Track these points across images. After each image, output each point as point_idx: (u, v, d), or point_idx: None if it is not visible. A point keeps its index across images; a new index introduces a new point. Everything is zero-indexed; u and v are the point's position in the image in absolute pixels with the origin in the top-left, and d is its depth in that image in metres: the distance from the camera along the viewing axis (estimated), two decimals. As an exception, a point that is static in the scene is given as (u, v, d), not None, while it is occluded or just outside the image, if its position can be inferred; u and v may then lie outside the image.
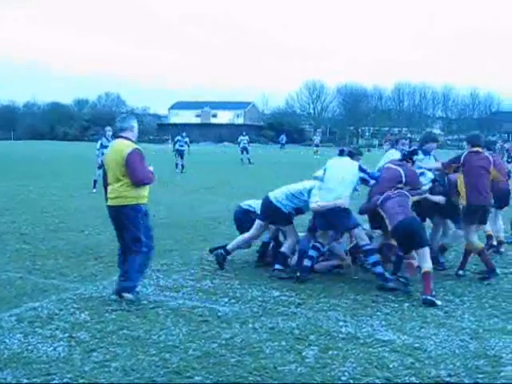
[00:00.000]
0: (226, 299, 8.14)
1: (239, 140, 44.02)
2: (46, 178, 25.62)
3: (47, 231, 13.10)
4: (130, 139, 8.11)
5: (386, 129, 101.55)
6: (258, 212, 9.99)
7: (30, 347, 6.29)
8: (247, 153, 41.93)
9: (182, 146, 32.61)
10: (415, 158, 10.04)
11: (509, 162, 18.79)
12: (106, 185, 8.99)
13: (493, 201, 10.14)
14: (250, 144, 46.12)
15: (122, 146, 8.02)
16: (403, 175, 9.48)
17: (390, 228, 8.77)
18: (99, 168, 19.63)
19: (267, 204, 9.77)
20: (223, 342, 6.55)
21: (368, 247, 9.22)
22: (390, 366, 5.96)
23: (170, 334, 6.74)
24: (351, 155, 9.88)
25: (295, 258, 9.89)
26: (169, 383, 5.53)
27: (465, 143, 10.42)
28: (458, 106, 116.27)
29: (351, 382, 5.61)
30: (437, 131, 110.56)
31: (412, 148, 10.57)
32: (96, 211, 15.72)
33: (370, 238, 9.59)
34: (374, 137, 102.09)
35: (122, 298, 7.92)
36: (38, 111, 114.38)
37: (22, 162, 37.67)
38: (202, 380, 5.57)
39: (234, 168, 35.28)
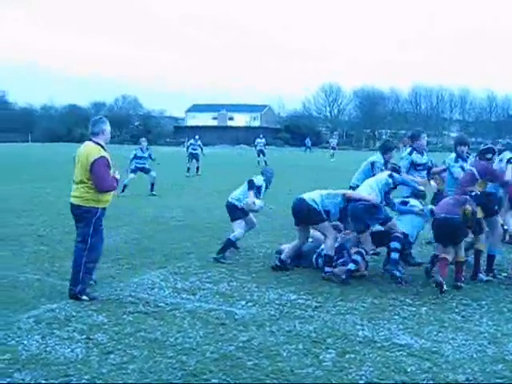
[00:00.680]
0: (243, 302, 8.13)
1: (256, 143, 44.04)
2: (63, 180, 25.57)
3: (64, 233, 13.12)
4: (99, 144, 8.28)
5: (403, 132, 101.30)
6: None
7: (47, 349, 6.31)
8: (263, 155, 41.97)
9: (195, 149, 32.70)
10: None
11: None
12: None
13: None
14: (267, 147, 46.13)
15: (89, 151, 8.19)
16: (476, 173, 9.75)
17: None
18: (131, 172, 21.28)
19: (300, 204, 9.90)
20: (240, 344, 6.55)
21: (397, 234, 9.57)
22: (408, 370, 5.93)
23: (187, 337, 6.74)
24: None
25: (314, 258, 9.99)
26: (186, 385, 5.54)
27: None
28: (476, 109, 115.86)
29: (368, 385, 5.60)
30: (454, 134, 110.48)
31: (487, 146, 10.68)
32: (113, 213, 15.78)
33: None
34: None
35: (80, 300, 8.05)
36: (55, 114, 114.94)
37: (39, 164, 37.92)
38: (218, 382, 5.57)
39: (250, 170, 35.18)
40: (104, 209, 8.41)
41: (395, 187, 10.23)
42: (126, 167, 21.03)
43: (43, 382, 5.51)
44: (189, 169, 31.47)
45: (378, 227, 9.95)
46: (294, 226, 10.32)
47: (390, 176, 10.03)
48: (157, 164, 23.96)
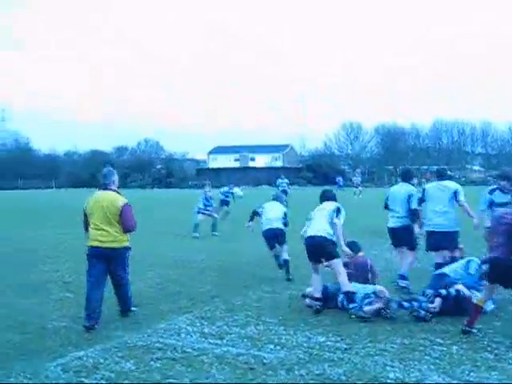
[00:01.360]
0: (271, 346, 8.05)
1: (278, 183, 43.98)
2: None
3: (90, 279, 13.16)
4: (116, 191, 9.72)
5: (425, 167, 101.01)
6: None
7: (76, 398, 6.28)
8: (286, 195, 41.83)
9: (227, 196, 32.86)
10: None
11: None
12: (86, 228, 9.78)
13: None
14: (290, 186, 46.24)
15: (114, 197, 9.54)
16: None
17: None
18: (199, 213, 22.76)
19: (313, 241, 10.15)
20: (270, 389, 6.47)
21: None
22: (442, 412, 5.82)
23: (215, 383, 6.67)
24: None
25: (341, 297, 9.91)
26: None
27: None
28: (498, 142, 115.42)
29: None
30: (476, 167, 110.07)
31: None
32: (137, 258, 15.81)
33: None
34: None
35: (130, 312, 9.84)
36: (78, 159, 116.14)
37: (63, 210, 38.14)
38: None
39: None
40: None
41: None
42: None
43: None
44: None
45: None
46: (310, 261, 10.39)
47: None
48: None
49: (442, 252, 11.46)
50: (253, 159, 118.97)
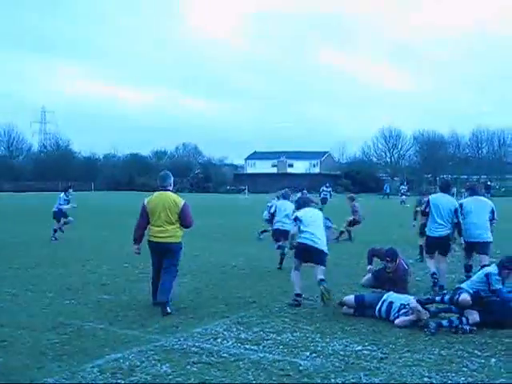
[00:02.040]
0: (308, 353, 8.02)
1: (320, 190, 43.65)
2: (125, 230, 26.07)
3: (128, 282, 13.28)
4: (173, 191, 10.91)
5: (465, 177, 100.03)
6: None
7: (112, 400, 6.32)
8: (325, 203, 41.38)
9: (326, 194, 33.12)
10: None
11: None
12: (144, 226, 10.81)
13: None
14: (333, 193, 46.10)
15: (174, 198, 10.71)
16: None
17: None
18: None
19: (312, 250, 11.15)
20: (305, 397, 6.45)
21: None
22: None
23: (251, 388, 6.68)
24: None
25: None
26: None
27: None
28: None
29: None
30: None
31: None
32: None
33: None
34: (453, 185, 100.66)
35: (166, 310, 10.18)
36: (117, 162, 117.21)
37: (102, 213, 38.49)
38: None
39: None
40: None
41: None
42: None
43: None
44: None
45: None
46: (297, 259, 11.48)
47: None
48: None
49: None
50: (291, 165, 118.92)
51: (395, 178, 79.64)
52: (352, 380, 6.96)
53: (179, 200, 10.67)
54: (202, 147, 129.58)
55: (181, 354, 7.87)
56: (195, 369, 7.28)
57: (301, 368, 7.36)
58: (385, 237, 22.65)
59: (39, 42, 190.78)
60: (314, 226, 11.28)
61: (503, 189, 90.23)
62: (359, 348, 8.27)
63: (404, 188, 61.87)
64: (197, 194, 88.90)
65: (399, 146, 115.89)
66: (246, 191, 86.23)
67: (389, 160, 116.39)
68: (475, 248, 12.72)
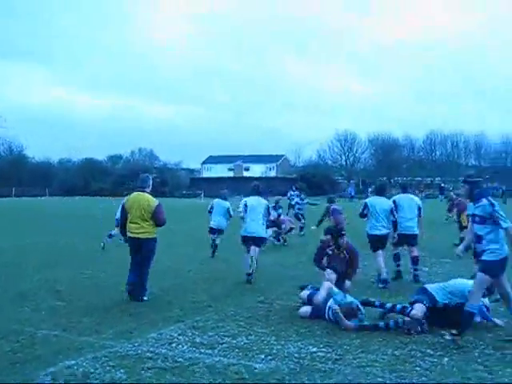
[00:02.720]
0: (263, 356, 8.03)
1: (289, 195, 42.78)
2: (80, 235, 25.86)
3: (82, 287, 13.15)
4: (149, 193, 12.17)
5: (419, 179, 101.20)
6: None
7: (65, 407, 6.25)
8: (293, 209, 40.54)
9: (293, 199, 33.00)
10: None
11: None
12: (124, 223, 12.27)
13: None
14: (283, 197, 45.61)
15: (148, 198, 12.04)
16: None
17: None
18: None
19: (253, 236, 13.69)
20: (260, 400, 6.45)
21: None
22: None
23: (206, 392, 6.66)
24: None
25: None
26: None
27: None
28: (491, 154, 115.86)
29: None
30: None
31: None
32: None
33: None
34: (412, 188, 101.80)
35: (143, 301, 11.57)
36: (72, 167, 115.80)
37: (56, 219, 38.06)
38: None
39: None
40: None
41: None
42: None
43: None
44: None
45: None
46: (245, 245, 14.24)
47: None
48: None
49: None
50: (247, 169, 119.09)
51: (351, 181, 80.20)
52: (307, 382, 6.99)
53: (153, 201, 11.96)
54: (158, 152, 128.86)
55: (135, 360, 7.82)
56: (150, 374, 7.25)
57: (256, 371, 7.37)
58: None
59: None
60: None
61: (457, 190, 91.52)
62: (314, 350, 8.31)
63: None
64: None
65: (354, 149, 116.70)
66: (202, 195, 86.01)
67: (344, 163, 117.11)
68: (406, 240, 14.48)
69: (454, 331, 8.66)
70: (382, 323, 9.49)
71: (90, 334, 9.18)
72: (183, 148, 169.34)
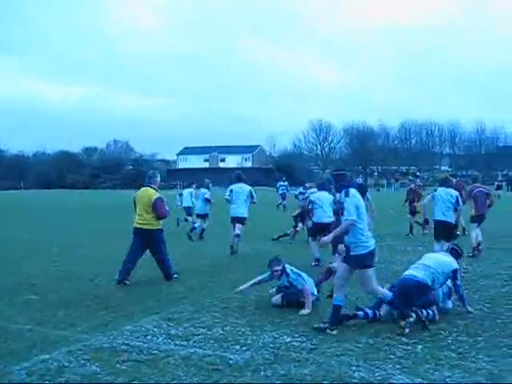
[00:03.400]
0: (238, 346, 8.05)
1: (278, 185, 42.23)
2: (55, 228, 25.71)
3: (57, 281, 13.09)
4: (155, 188, 13.21)
5: (394, 167, 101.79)
6: None
7: (40, 402, 6.22)
8: (285, 199, 40.19)
9: (284, 189, 33.27)
10: None
11: None
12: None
13: None
14: (260, 187, 45.51)
15: (150, 193, 13.06)
16: None
17: None
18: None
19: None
20: (235, 390, 6.46)
21: None
22: (405, 411, 5.86)
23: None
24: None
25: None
26: None
27: None
28: (465, 142, 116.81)
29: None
30: (444, 168, 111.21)
31: None
32: (105, 259, 15.77)
33: None
34: (383, 176, 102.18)
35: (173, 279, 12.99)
36: (47, 160, 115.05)
37: (30, 212, 37.81)
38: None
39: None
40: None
41: None
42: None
43: None
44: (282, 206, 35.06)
45: None
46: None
47: None
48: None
49: None
50: (223, 160, 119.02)
51: (326, 170, 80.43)
52: (282, 372, 7.01)
53: (153, 195, 12.95)
54: (134, 143, 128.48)
55: (110, 353, 7.79)
56: (124, 367, 7.23)
57: (231, 362, 7.38)
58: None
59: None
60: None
61: (431, 178, 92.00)
62: (289, 340, 8.33)
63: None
64: (130, 190, 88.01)
65: (330, 139, 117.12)
66: (179, 187, 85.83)
67: (320, 153, 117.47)
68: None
69: (323, 323, 8.88)
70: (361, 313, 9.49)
71: (65, 327, 9.13)
72: (159, 139, 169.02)
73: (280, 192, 41.08)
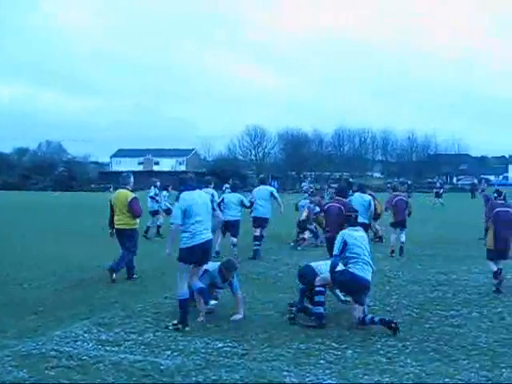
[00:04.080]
0: (169, 352, 8.03)
1: (224, 188, 40.81)
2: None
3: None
4: (128, 189, 13.75)
5: (328, 173, 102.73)
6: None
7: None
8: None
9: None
10: None
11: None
12: (112, 217, 13.78)
13: None
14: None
15: (125, 194, 13.61)
16: None
17: None
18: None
19: None
20: (165, 396, 6.45)
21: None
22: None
23: (110, 390, 6.61)
24: None
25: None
26: None
27: None
28: (397, 150, 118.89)
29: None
30: (377, 175, 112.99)
31: None
32: (36, 263, 15.50)
33: None
34: (316, 182, 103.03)
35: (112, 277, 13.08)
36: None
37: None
38: None
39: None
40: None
41: None
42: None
43: None
44: None
45: None
46: None
47: None
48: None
49: None
50: (157, 163, 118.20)
51: (260, 175, 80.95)
52: (213, 377, 7.03)
53: (129, 196, 13.56)
54: (67, 145, 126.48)
55: (39, 359, 7.68)
56: (53, 373, 7.14)
57: (162, 367, 7.37)
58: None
59: None
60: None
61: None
62: (220, 345, 8.35)
63: (306, 185, 62.65)
64: (61, 192, 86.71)
65: (264, 144, 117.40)
66: (112, 189, 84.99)
67: (254, 158, 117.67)
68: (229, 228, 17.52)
69: (174, 321, 9.31)
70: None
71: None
72: (92, 141, 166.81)
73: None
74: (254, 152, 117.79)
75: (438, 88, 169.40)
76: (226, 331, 9.09)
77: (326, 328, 9.24)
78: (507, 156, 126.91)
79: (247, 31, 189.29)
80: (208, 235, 9.70)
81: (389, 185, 24.40)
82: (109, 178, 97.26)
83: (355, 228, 10.05)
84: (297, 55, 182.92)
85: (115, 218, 13.65)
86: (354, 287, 9.53)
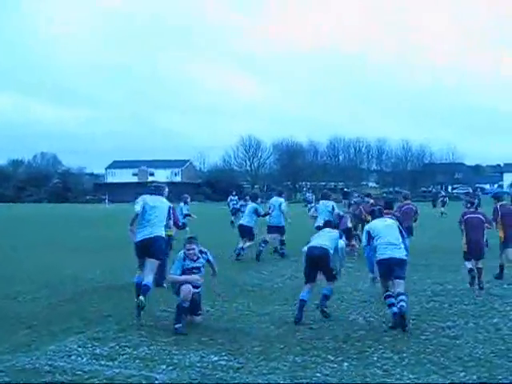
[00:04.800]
0: (164, 366, 7.96)
1: (229, 200, 39.24)
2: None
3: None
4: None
5: (323, 183, 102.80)
6: None
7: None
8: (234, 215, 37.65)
9: (235, 204, 33.26)
10: None
11: None
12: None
13: None
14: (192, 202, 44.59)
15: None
16: None
17: None
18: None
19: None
20: (160, 411, 6.39)
21: None
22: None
23: (105, 406, 6.55)
24: None
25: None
26: None
27: None
28: (392, 159, 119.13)
29: None
30: (372, 184, 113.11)
31: None
32: (29, 276, 15.42)
33: None
34: (312, 191, 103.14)
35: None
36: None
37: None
38: None
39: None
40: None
41: None
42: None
43: None
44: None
45: None
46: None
47: None
48: None
49: None
50: (152, 174, 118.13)
51: (255, 186, 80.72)
52: (208, 391, 6.97)
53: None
54: (62, 156, 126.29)
55: (32, 374, 7.61)
56: (47, 389, 7.07)
57: (156, 382, 7.33)
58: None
59: None
60: None
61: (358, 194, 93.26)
62: (216, 359, 8.30)
63: (309, 196, 62.67)
64: (56, 204, 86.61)
65: (259, 155, 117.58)
66: (107, 200, 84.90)
67: (249, 168, 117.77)
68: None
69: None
70: None
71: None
72: (87, 153, 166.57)
73: (231, 207, 37.91)
74: (248, 162, 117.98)
75: (431, 99, 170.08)
76: (221, 344, 9.03)
77: (322, 340, 9.19)
78: (502, 164, 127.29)
79: (241, 44, 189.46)
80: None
81: (384, 194, 24.49)
82: (104, 190, 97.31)
83: (379, 219, 11.40)
84: (289, 68, 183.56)
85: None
86: (385, 269, 10.76)
